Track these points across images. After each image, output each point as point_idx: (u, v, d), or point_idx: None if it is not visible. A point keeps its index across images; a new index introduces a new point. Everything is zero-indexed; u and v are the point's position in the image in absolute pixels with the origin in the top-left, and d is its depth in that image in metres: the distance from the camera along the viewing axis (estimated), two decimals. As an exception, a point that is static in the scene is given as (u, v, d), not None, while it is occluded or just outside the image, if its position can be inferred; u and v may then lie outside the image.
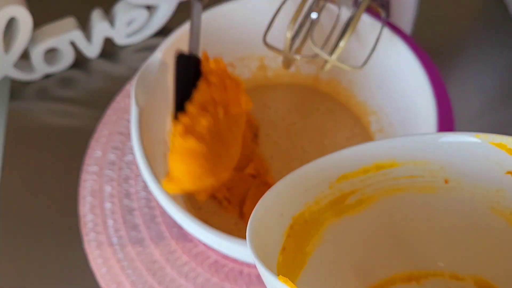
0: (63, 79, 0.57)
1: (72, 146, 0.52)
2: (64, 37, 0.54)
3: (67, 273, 0.46)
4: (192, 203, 0.47)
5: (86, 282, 0.45)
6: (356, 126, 0.51)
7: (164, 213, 0.48)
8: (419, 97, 0.43)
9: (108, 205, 0.48)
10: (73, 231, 0.47)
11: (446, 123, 0.40)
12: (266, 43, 0.42)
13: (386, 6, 0.51)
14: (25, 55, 0.54)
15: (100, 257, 0.46)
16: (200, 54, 0.41)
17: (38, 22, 0.53)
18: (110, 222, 0.47)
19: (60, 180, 0.51)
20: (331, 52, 0.40)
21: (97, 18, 0.56)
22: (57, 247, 0.47)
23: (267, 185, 0.47)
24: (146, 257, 0.46)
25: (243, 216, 0.46)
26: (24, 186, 0.50)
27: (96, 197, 0.49)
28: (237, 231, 0.46)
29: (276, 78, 0.54)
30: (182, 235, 0.47)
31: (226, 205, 0.47)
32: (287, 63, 0.43)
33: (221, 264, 0.45)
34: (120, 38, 0.58)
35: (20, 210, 0.49)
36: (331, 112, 0.52)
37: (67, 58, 0.57)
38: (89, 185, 0.49)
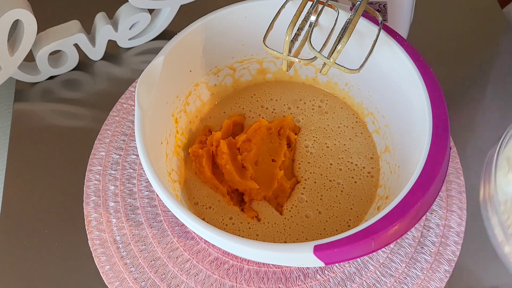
0: (67, 81, 0.58)
1: (76, 147, 0.53)
2: (68, 39, 0.55)
3: (72, 270, 0.47)
4: (190, 198, 0.48)
5: (90, 279, 0.46)
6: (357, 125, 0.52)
7: (166, 211, 0.49)
8: (414, 99, 0.43)
9: (111, 204, 0.49)
10: (78, 229, 0.48)
11: (441, 124, 0.41)
12: (265, 46, 0.43)
13: (382, 11, 0.52)
14: (30, 57, 0.55)
15: (103, 255, 0.47)
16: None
17: (43, 24, 0.54)
18: (113, 220, 0.48)
19: (65, 180, 0.51)
20: (329, 55, 0.41)
21: (100, 21, 0.57)
22: (61, 245, 0.48)
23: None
24: (149, 254, 0.47)
25: (245, 211, 0.47)
26: (29, 185, 0.51)
27: (100, 196, 0.50)
28: (231, 225, 0.47)
29: (275, 80, 0.55)
30: (184, 233, 0.48)
31: (228, 200, 0.48)
32: (286, 65, 0.44)
33: (222, 261, 0.46)
34: (123, 40, 0.59)
35: (25, 209, 0.50)
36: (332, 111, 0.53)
37: (71, 60, 0.58)
38: (93, 184, 0.50)
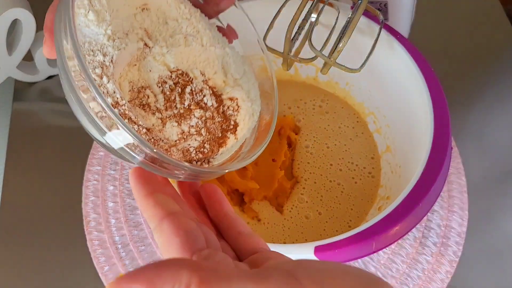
0: (66, 80, 0.58)
1: (75, 146, 0.53)
2: (67, 39, 0.55)
3: (71, 271, 0.46)
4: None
5: (89, 280, 0.46)
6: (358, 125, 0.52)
7: (165, 212, 0.48)
8: (415, 98, 0.43)
9: (110, 204, 0.49)
10: (77, 229, 0.48)
11: (442, 124, 0.40)
12: (266, 45, 0.43)
13: (383, 10, 0.52)
14: (28, 57, 0.55)
15: (102, 255, 0.47)
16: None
17: (42, 24, 0.54)
18: (112, 221, 0.48)
19: (64, 180, 0.51)
20: (330, 54, 0.40)
21: (99, 20, 0.56)
22: (60, 246, 0.48)
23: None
24: (148, 255, 0.46)
25: (245, 211, 0.47)
26: (27, 185, 0.51)
27: (99, 196, 0.49)
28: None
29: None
30: (183, 234, 0.47)
31: (229, 200, 0.47)
32: (287, 64, 0.44)
33: (222, 262, 0.46)
34: (122, 40, 0.59)
35: (24, 209, 0.50)
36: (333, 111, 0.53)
37: (70, 59, 0.57)
38: (92, 184, 0.50)
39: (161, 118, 0.30)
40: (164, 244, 0.26)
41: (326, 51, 0.41)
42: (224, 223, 0.30)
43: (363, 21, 0.45)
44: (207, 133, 0.31)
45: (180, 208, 0.27)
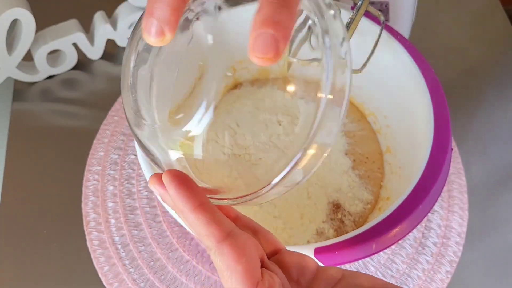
0: (66, 80, 0.58)
1: (75, 147, 0.53)
2: (67, 39, 0.55)
3: (70, 271, 0.46)
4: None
5: (89, 280, 0.46)
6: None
7: (165, 212, 0.48)
8: (416, 99, 0.43)
9: (110, 204, 0.49)
10: (76, 230, 0.48)
11: (442, 125, 0.40)
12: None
13: (384, 10, 0.52)
14: (28, 57, 0.55)
15: (102, 256, 0.47)
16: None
17: (41, 24, 0.54)
18: (112, 221, 0.48)
19: (63, 180, 0.51)
20: (330, 55, 0.40)
21: (99, 20, 0.56)
22: (60, 246, 0.48)
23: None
24: (148, 255, 0.46)
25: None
26: (27, 185, 0.51)
27: (99, 196, 0.49)
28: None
29: (275, 79, 0.55)
30: (184, 234, 0.47)
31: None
32: (286, 65, 0.44)
33: (222, 263, 0.46)
34: (122, 40, 0.59)
35: (24, 209, 0.50)
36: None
37: (70, 59, 0.57)
38: (91, 184, 0.50)
39: None
40: (226, 270, 0.25)
41: (327, 52, 0.41)
42: (240, 224, 0.29)
43: (363, 21, 0.45)
44: None
45: (234, 224, 0.26)
